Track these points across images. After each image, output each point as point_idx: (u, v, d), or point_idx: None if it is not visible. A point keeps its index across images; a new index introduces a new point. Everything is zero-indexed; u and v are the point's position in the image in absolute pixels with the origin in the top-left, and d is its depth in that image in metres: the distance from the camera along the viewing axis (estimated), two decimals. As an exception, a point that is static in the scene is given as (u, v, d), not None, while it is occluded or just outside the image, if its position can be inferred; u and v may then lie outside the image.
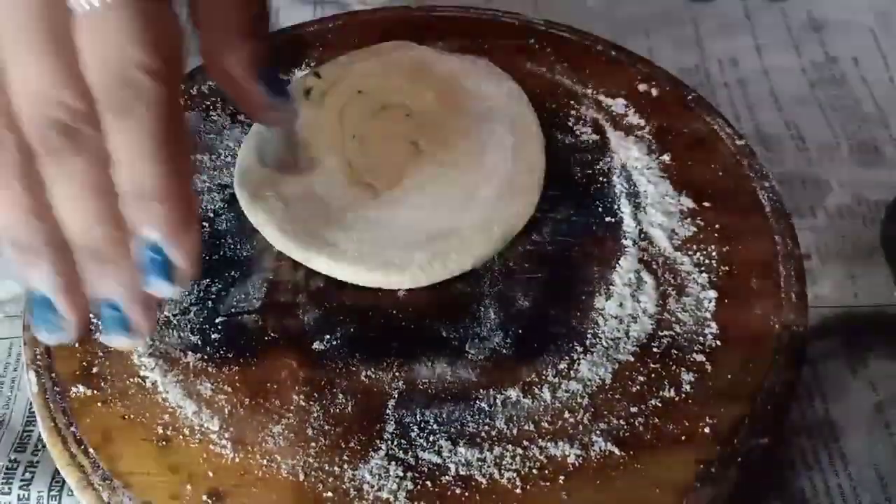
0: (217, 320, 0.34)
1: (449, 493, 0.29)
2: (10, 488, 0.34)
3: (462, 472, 0.30)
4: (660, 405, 0.31)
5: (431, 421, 0.31)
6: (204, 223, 0.37)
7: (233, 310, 0.34)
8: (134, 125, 0.23)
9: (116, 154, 0.24)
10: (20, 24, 0.23)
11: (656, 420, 0.31)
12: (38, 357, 0.33)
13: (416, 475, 0.30)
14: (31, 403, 0.37)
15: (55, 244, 0.24)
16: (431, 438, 0.30)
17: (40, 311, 0.25)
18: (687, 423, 0.30)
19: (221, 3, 0.27)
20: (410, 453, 0.30)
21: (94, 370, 0.32)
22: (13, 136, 0.23)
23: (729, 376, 0.32)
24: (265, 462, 0.30)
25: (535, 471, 0.29)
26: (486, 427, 0.31)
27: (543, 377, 0.32)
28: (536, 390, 0.31)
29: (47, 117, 0.23)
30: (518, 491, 0.29)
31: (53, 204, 0.24)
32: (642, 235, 0.36)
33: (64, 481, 0.33)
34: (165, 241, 0.24)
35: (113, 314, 0.25)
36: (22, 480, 0.35)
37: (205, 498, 0.29)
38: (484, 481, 0.29)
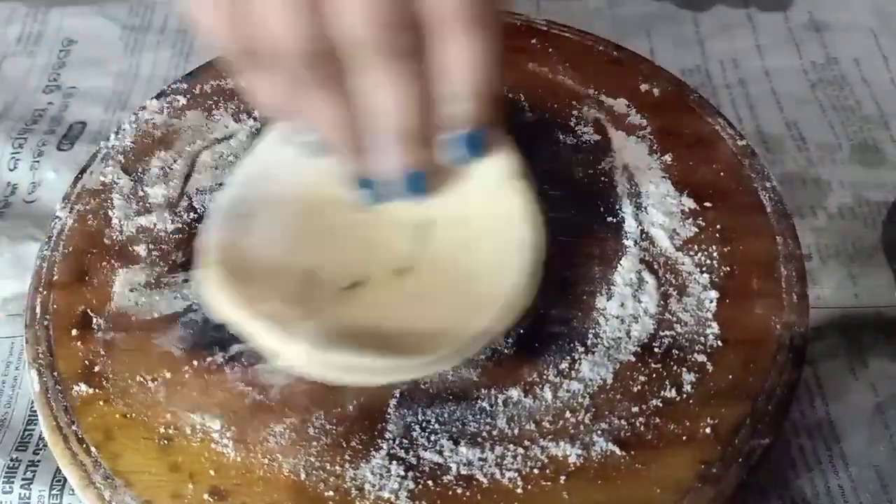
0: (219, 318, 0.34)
1: (450, 492, 0.29)
2: (11, 487, 0.34)
3: (463, 472, 0.30)
4: (661, 405, 0.31)
5: (433, 420, 0.31)
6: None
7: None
8: (483, 35, 0.29)
9: (459, 59, 0.29)
10: None
11: (657, 420, 0.31)
12: (40, 356, 0.33)
13: (418, 475, 0.30)
14: (32, 402, 0.37)
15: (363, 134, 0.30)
16: (433, 438, 0.30)
17: (374, 191, 0.32)
18: (688, 424, 0.30)
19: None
20: (412, 452, 0.30)
21: (96, 369, 0.32)
22: (332, 50, 0.28)
23: (730, 376, 0.32)
24: (266, 461, 0.30)
25: (536, 470, 0.30)
26: (488, 427, 0.31)
27: (545, 377, 0.32)
28: (538, 390, 0.31)
29: (390, 28, 0.28)
30: (519, 491, 0.29)
31: (375, 101, 0.29)
32: (644, 235, 0.36)
33: (65, 480, 0.33)
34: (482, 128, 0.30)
35: (416, 181, 0.31)
36: (23, 479, 0.35)
37: (206, 497, 0.29)
38: (485, 481, 0.29)
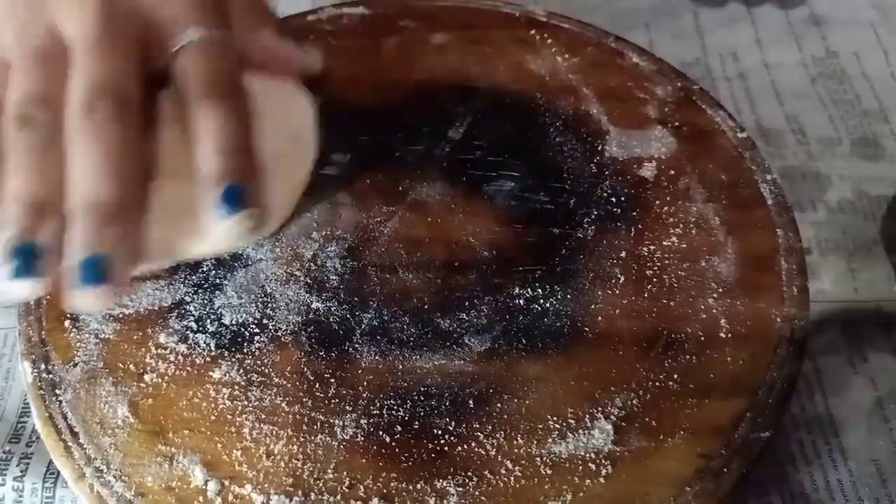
0: (214, 311, 0.33)
1: (448, 485, 0.29)
2: (4, 479, 0.34)
3: (461, 465, 0.29)
4: (660, 398, 0.31)
5: (431, 412, 0.30)
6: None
7: (230, 300, 0.34)
8: (225, 106, 0.29)
9: (205, 124, 0.29)
10: (102, 30, 0.29)
11: (657, 413, 0.30)
12: (33, 347, 0.33)
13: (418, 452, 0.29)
14: (25, 394, 0.36)
15: (59, 204, 0.28)
16: (432, 431, 0.30)
17: (26, 264, 0.27)
18: (687, 417, 0.30)
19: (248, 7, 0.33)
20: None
21: (89, 361, 0.32)
22: (49, 113, 0.28)
23: (730, 370, 0.31)
24: (262, 451, 0.30)
25: (533, 466, 0.29)
26: (486, 419, 0.30)
27: (544, 370, 0.31)
28: (535, 384, 0.31)
29: (103, 91, 0.28)
30: (517, 484, 0.29)
31: (76, 167, 0.28)
32: (642, 228, 0.35)
33: (58, 473, 0.33)
34: (245, 185, 0.28)
35: (95, 266, 0.27)
36: (16, 472, 0.34)
37: (201, 487, 0.29)
38: (483, 475, 0.29)
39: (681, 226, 0.36)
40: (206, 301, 0.34)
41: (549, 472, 0.29)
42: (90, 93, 0.28)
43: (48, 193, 0.28)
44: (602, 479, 0.29)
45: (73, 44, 0.29)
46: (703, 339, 0.32)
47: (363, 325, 0.33)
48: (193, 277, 0.34)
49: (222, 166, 0.28)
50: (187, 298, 0.34)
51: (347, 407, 0.31)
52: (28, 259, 0.27)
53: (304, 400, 0.31)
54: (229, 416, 0.31)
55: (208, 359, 0.32)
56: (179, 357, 0.32)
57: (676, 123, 0.39)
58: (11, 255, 0.27)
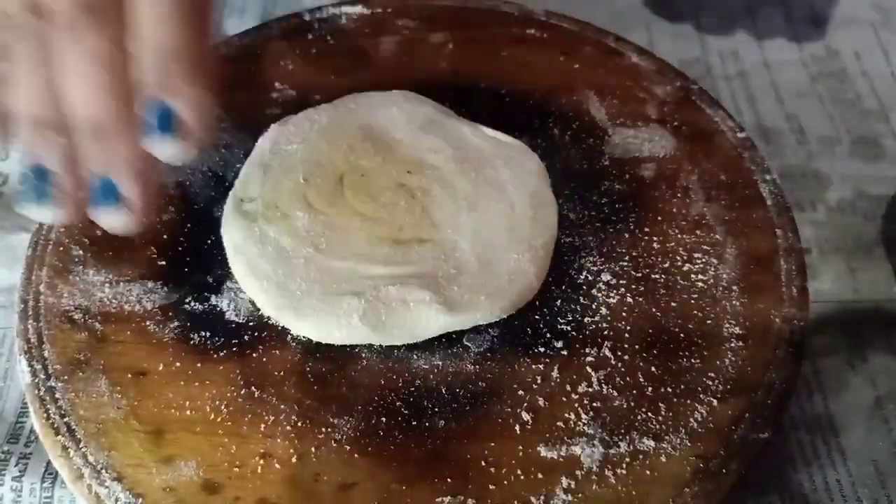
0: (214, 311, 0.33)
1: (448, 485, 0.29)
2: (3, 479, 0.34)
3: (462, 465, 0.29)
4: (659, 399, 0.31)
5: (430, 413, 0.30)
6: (204, 207, 0.36)
7: (230, 301, 0.34)
8: None
9: (142, 18, 0.26)
10: None
11: (656, 414, 0.30)
12: (32, 347, 0.33)
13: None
14: (23, 394, 0.36)
15: (66, 123, 0.26)
16: (431, 431, 0.30)
17: (38, 186, 0.27)
18: (686, 417, 0.30)
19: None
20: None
21: (88, 361, 0.32)
22: (38, 22, 0.26)
23: (729, 370, 0.31)
24: (260, 454, 0.30)
25: (533, 464, 0.29)
26: (486, 419, 0.30)
27: (542, 372, 0.31)
28: (535, 385, 0.31)
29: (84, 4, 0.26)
30: (516, 485, 0.29)
31: (68, 85, 0.26)
32: (642, 229, 0.35)
33: (57, 473, 0.32)
34: (183, 98, 0.26)
35: (108, 187, 0.27)
36: (15, 472, 0.34)
37: (198, 490, 0.29)
38: (482, 475, 0.29)
39: (680, 226, 0.35)
40: (207, 301, 0.33)
41: (548, 472, 0.29)
42: (73, 6, 0.26)
43: (49, 112, 0.26)
44: (600, 480, 0.29)
45: None
46: (702, 339, 0.32)
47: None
48: (193, 277, 0.34)
49: (155, 75, 0.26)
50: (187, 298, 0.34)
51: (347, 407, 0.31)
52: (39, 182, 0.26)
53: (304, 400, 0.31)
54: (228, 417, 0.30)
55: (207, 359, 0.32)
56: (178, 357, 0.32)
57: (676, 123, 0.39)
58: (23, 178, 0.26)
